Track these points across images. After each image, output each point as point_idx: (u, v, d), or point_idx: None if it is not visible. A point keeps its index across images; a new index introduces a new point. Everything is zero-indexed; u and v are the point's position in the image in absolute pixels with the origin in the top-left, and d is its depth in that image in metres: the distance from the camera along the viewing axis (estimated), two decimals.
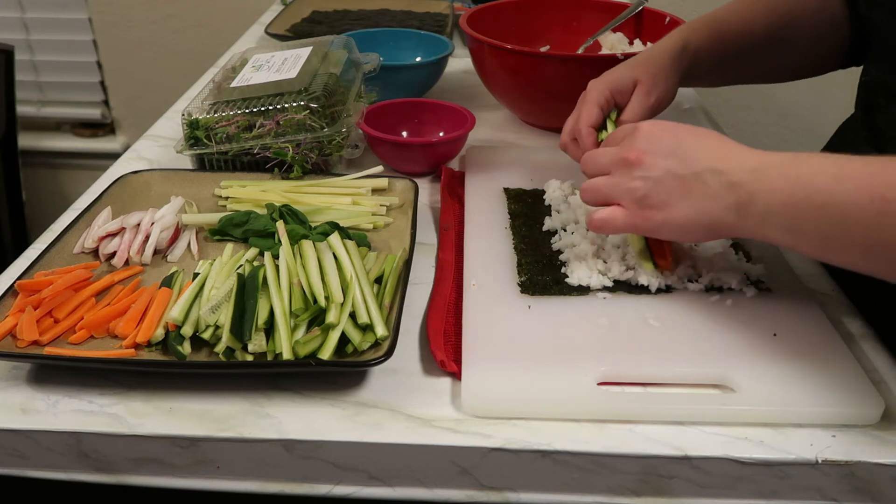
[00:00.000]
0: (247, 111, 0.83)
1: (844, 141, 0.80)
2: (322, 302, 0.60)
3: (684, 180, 0.58)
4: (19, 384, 0.58)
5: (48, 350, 0.59)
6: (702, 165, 0.57)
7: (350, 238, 0.70)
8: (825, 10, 0.78)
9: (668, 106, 0.78)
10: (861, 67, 0.78)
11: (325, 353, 0.57)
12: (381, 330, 0.59)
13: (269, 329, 0.60)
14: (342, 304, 0.60)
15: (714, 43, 0.79)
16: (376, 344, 0.59)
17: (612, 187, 0.61)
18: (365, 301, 0.61)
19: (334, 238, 0.67)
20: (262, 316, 0.60)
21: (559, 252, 0.70)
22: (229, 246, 0.72)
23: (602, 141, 0.72)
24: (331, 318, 0.59)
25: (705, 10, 0.81)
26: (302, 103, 0.82)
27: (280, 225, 0.70)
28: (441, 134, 0.93)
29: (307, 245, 0.67)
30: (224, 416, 0.55)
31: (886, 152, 0.68)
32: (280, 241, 0.68)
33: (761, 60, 0.82)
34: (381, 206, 0.79)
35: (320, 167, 0.84)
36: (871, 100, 0.72)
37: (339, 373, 0.59)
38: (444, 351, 0.60)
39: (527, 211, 0.78)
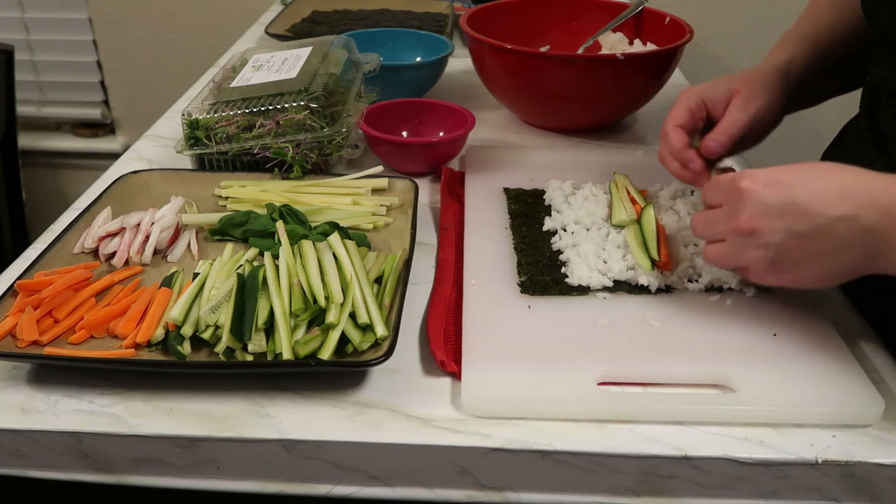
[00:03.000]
0: (247, 111, 0.83)
1: (848, 142, 0.79)
2: (322, 302, 0.60)
3: (808, 238, 0.53)
4: (19, 384, 0.58)
5: (48, 350, 0.59)
6: (825, 216, 0.52)
7: (350, 238, 0.70)
8: None
9: (774, 129, 0.75)
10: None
11: (325, 353, 0.57)
12: (381, 330, 0.59)
13: (269, 329, 0.60)
14: (342, 304, 0.60)
15: (813, 58, 0.75)
16: (376, 344, 0.59)
17: (735, 256, 0.58)
18: (365, 301, 0.61)
19: (334, 238, 0.67)
20: (262, 316, 0.60)
21: (559, 252, 0.70)
22: (229, 246, 0.72)
23: (696, 147, 0.69)
24: (331, 318, 0.59)
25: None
26: (302, 103, 0.82)
27: (280, 225, 0.70)
28: (441, 134, 0.93)
29: (307, 245, 0.67)
30: (224, 416, 0.55)
31: (889, 153, 0.68)
32: (280, 241, 0.68)
33: (853, 65, 0.79)
34: (381, 206, 0.79)
35: (320, 167, 0.84)
36: (874, 100, 0.72)
37: (339, 373, 0.59)
38: (444, 351, 0.60)
39: (527, 211, 0.78)
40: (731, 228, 0.56)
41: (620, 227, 0.72)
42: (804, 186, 0.53)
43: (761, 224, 0.54)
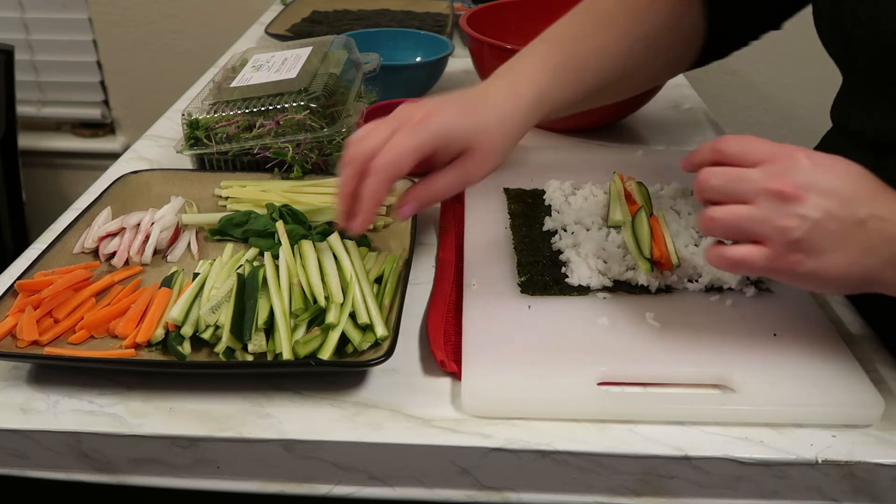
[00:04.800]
0: (247, 111, 0.83)
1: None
2: (322, 302, 0.60)
3: (845, 225, 0.51)
4: (19, 384, 0.58)
5: (48, 350, 0.59)
6: (866, 210, 0.51)
7: (350, 238, 0.70)
8: (681, 23, 0.74)
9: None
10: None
11: (325, 353, 0.57)
12: (381, 330, 0.59)
13: (269, 329, 0.60)
14: (342, 304, 0.60)
15: (570, 88, 0.69)
16: (376, 344, 0.59)
17: (759, 222, 0.51)
18: (365, 301, 0.61)
19: (334, 238, 0.67)
20: (262, 316, 0.60)
21: (559, 252, 0.70)
22: (229, 246, 0.72)
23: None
24: (331, 318, 0.59)
25: None
26: (302, 103, 0.82)
27: (280, 225, 0.70)
28: None
29: (307, 245, 0.67)
30: (224, 416, 0.55)
31: None
32: (280, 242, 0.68)
33: (618, 87, 0.76)
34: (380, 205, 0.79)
35: (320, 167, 0.84)
36: (869, 149, 0.66)
37: (339, 373, 0.59)
38: (444, 351, 0.60)
39: (527, 211, 0.78)
40: (770, 189, 0.51)
41: (616, 227, 0.72)
42: (855, 179, 0.52)
43: (809, 196, 0.50)
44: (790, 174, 0.51)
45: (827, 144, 0.78)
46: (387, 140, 0.60)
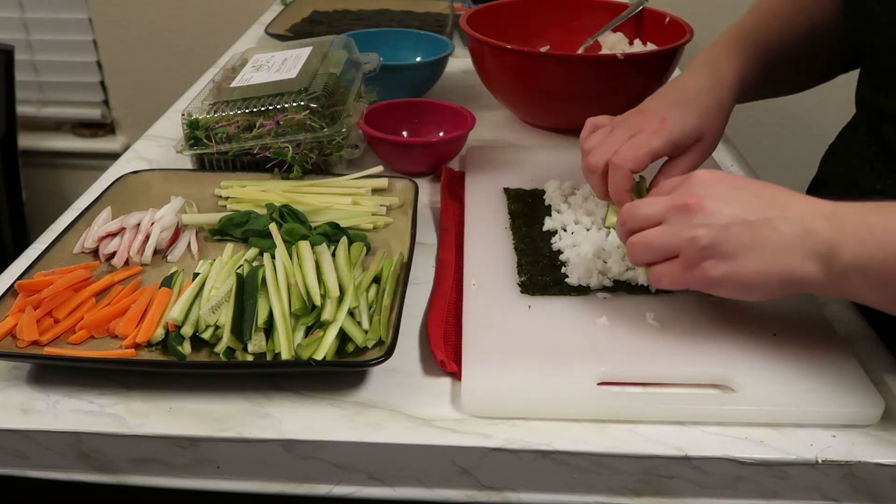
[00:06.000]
0: (247, 111, 0.83)
1: (849, 151, 0.79)
2: (318, 300, 0.60)
3: (753, 226, 0.52)
4: (19, 384, 0.58)
5: (48, 350, 0.59)
6: (772, 211, 0.52)
7: (350, 238, 0.70)
8: (829, 21, 0.77)
9: None
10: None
11: (323, 351, 0.57)
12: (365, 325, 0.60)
13: (269, 329, 0.60)
14: (339, 301, 0.60)
15: (763, 71, 0.76)
16: (379, 342, 0.59)
17: (669, 237, 0.55)
18: (357, 309, 0.61)
19: (322, 249, 0.67)
20: (261, 316, 0.60)
21: (559, 252, 0.70)
22: (229, 246, 0.72)
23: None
24: (326, 315, 0.59)
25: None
26: (302, 103, 0.82)
27: (273, 228, 0.70)
28: (441, 134, 0.93)
29: (304, 245, 0.66)
30: (224, 416, 0.55)
31: None
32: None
33: (793, 79, 0.81)
34: (381, 206, 0.79)
35: (320, 167, 0.84)
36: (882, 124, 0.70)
37: (339, 373, 0.59)
38: (444, 351, 0.60)
39: (527, 211, 0.78)
40: (677, 204, 0.55)
41: (612, 228, 0.72)
42: (756, 187, 0.55)
43: (710, 204, 0.54)
44: (692, 187, 0.55)
45: (848, 144, 0.78)
46: (623, 143, 0.68)
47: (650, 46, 1.05)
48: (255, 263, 0.68)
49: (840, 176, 0.77)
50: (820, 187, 0.82)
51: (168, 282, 0.66)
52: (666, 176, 0.70)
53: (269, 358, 0.58)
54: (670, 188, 0.58)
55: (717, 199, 0.54)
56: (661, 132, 0.68)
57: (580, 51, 1.07)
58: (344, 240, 0.69)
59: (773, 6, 0.79)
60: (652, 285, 0.59)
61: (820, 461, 0.52)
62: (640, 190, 0.72)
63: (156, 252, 0.72)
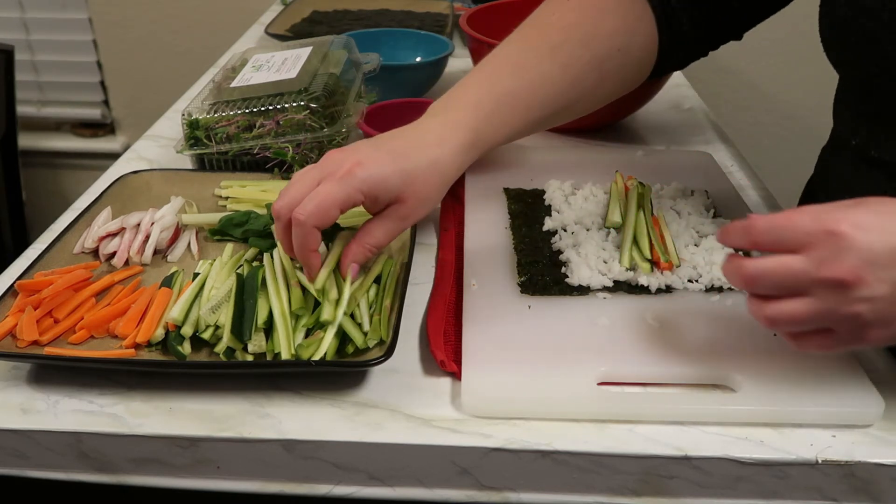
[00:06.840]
0: (247, 111, 0.83)
1: (832, 176, 0.74)
2: (319, 297, 0.60)
3: None
4: (19, 384, 0.58)
5: (48, 350, 0.59)
6: None
7: None
8: (632, 43, 0.73)
9: None
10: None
11: (322, 352, 0.57)
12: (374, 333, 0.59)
13: (269, 329, 0.60)
14: (337, 301, 0.60)
15: (509, 124, 0.69)
16: (380, 342, 0.59)
17: (823, 316, 0.48)
18: (358, 307, 0.61)
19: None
20: (261, 316, 0.60)
21: (559, 252, 0.70)
22: (229, 246, 0.72)
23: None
24: (325, 315, 0.59)
25: None
26: (302, 103, 0.82)
27: (273, 228, 0.70)
28: None
29: None
30: (224, 416, 0.55)
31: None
32: None
33: (565, 113, 0.75)
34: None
35: None
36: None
37: (339, 373, 0.59)
38: (444, 351, 0.60)
39: (527, 211, 0.78)
40: (826, 279, 0.47)
41: (614, 228, 0.72)
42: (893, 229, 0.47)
43: (869, 275, 0.46)
44: (842, 256, 0.46)
45: (835, 164, 0.74)
46: (311, 190, 0.58)
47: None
48: (255, 263, 0.68)
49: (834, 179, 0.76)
50: (816, 188, 0.81)
51: (168, 282, 0.66)
52: (360, 245, 0.61)
53: (269, 358, 0.58)
54: (796, 242, 0.48)
55: (874, 263, 0.46)
56: (348, 179, 0.58)
57: None
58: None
59: (542, 38, 0.73)
60: (796, 349, 0.52)
61: (820, 461, 0.52)
62: (643, 199, 0.72)
63: (156, 252, 0.72)
